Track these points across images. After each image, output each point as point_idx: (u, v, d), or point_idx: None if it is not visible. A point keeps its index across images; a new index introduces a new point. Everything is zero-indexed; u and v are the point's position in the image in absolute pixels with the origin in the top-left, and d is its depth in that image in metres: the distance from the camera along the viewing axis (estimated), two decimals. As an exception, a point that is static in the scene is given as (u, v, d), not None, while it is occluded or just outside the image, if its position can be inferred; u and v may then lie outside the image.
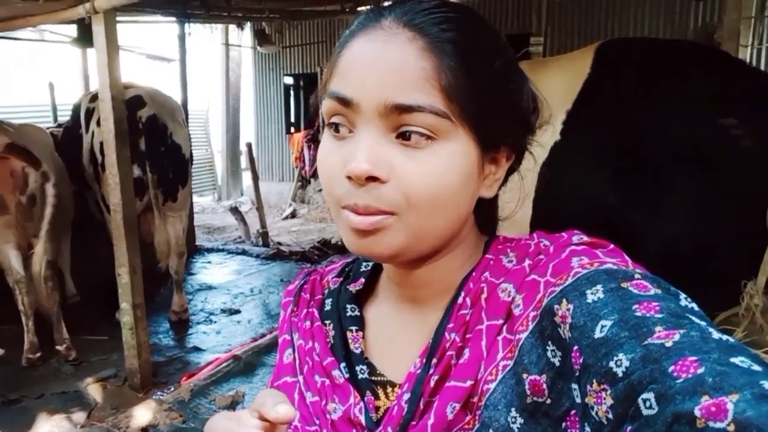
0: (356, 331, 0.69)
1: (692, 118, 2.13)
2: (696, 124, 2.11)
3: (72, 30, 6.32)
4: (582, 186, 2.33)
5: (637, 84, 2.31)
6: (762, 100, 2.11)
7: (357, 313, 0.70)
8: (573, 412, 0.50)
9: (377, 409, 0.63)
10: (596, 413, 0.45)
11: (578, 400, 0.48)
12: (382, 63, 0.56)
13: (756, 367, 0.39)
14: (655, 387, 0.40)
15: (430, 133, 0.55)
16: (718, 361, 0.39)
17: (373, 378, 0.66)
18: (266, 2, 6.33)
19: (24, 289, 4.17)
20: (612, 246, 0.59)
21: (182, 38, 6.98)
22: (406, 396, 0.59)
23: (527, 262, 0.60)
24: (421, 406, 0.58)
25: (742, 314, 2.04)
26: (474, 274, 0.63)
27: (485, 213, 0.68)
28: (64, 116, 6.18)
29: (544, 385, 0.52)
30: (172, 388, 3.81)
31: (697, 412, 0.37)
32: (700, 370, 0.39)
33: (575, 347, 0.48)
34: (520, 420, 0.53)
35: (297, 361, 0.71)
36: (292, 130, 11.18)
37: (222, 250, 7.64)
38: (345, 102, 0.57)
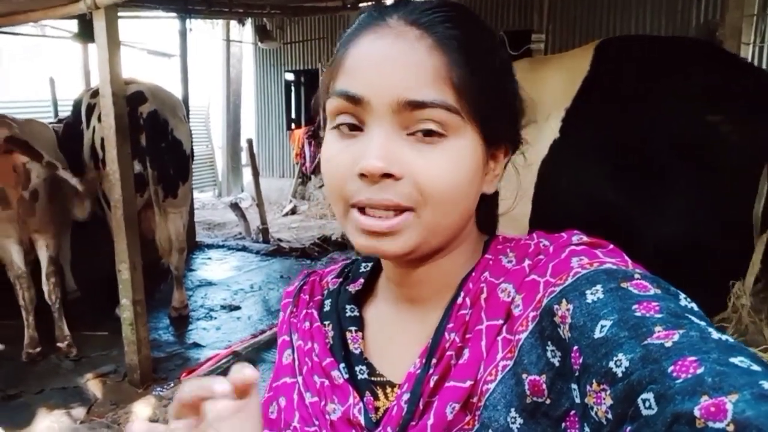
0: (355, 331, 0.69)
1: (691, 116, 2.12)
2: (695, 121, 2.11)
3: (73, 25, 6.32)
4: (581, 183, 2.33)
5: (637, 81, 2.31)
6: (761, 99, 2.10)
7: (356, 313, 0.70)
8: (572, 412, 0.49)
9: (377, 409, 0.63)
10: (596, 413, 0.45)
11: (578, 401, 0.48)
12: (393, 60, 0.56)
13: (755, 367, 0.39)
14: (655, 387, 0.40)
15: (441, 129, 0.56)
16: (717, 361, 0.39)
17: (372, 378, 0.66)
18: (267, -2, 6.32)
19: (25, 284, 4.18)
20: (611, 246, 0.59)
21: (183, 34, 6.97)
22: (406, 396, 0.59)
23: (527, 262, 0.60)
24: (421, 407, 0.58)
25: (730, 315, 2.05)
26: (474, 274, 0.63)
27: (486, 211, 0.68)
28: (65, 112, 6.18)
29: (544, 386, 0.52)
30: (172, 384, 3.82)
31: (696, 412, 0.37)
32: (700, 370, 0.39)
33: (575, 347, 0.48)
34: (519, 420, 0.53)
35: (296, 362, 0.71)
36: (293, 126, 11.18)
37: (222, 247, 7.65)
38: (355, 100, 0.57)
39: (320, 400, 0.65)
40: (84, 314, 4.79)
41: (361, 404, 0.63)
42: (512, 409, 0.53)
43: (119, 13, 3.69)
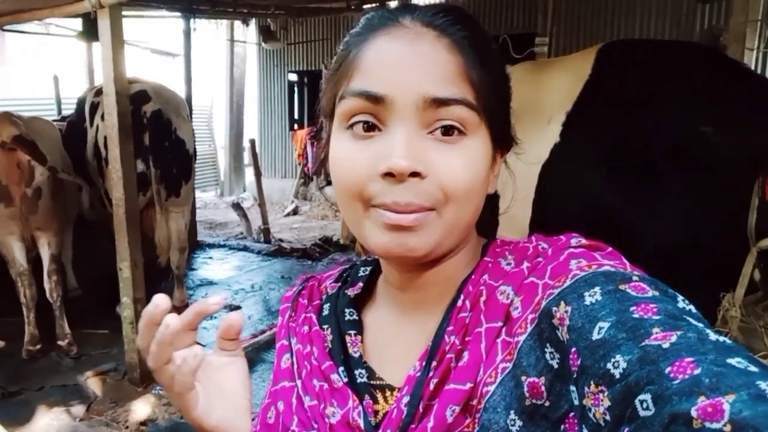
0: (355, 335, 0.69)
1: (692, 121, 2.12)
2: (695, 127, 2.10)
3: (77, 24, 6.33)
4: (582, 187, 2.33)
5: (640, 85, 2.30)
6: (760, 106, 2.10)
7: (355, 317, 0.70)
8: (572, 414, 0.49)
9: (376, 413, 0.63)
10: (594, 415, 0.45)
11: (576, 402, 0.48)
12: (416, 58, 0.57)
13: (752, 368, 0.39)
14: (652, 388, 0.40)
15: (462, 127, 0.57)
16: (714, 362, 0.39)
17: (371, 382, 0.66)
18: (272, -1, 6.34)
19: (26, 281, 4.18)
20: (610, 249, 0.60)
21: (187, 34, 6.98)
22: (406, 399, 0.59)
23: (525, 264, 0.61)
24: (421, 410, 0.58)
25: (718, 327, 2.04)
26: (473, 276, 0.63)
27: (487, 212, 0.68)
28: (68, 110, 6.19)
29: (543, 388, 0.52)
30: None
31: (693, 413, 0.37)
32: (697, 371, 0.39)
33: (573, 349, 0.48)
34: (519, 422, 0.53)
35: (295, 366, 0.71)
36: (296, 126, 11.19)
37: (223, 246, 7.65)
38: (376, 99, 0.57)
39: (319, 403, 0.65)
40: (85, 312, 4.79)
41: (360, 407, 0.63)
42: (512, 412, 0.54)
43: (123, 12, 3.70)
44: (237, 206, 8.58)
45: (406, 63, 0.56)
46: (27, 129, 4.07)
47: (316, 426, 0.65)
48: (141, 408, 3.55)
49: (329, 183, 0.66)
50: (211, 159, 12.47)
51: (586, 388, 0.46)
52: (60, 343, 4.27)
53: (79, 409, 3.56)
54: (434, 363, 0.59)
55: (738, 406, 0.35)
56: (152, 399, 3.63)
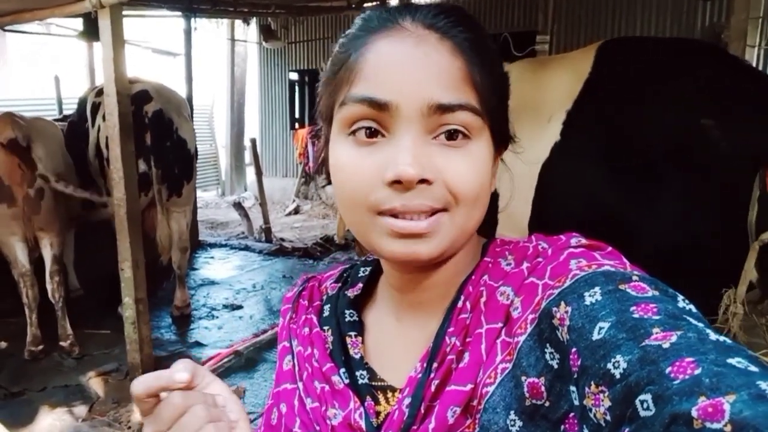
0: (355, 336, 0.69)
1: (692, 119, 2.11)
2: (695, 124, 2.10)
3: (78, 24, 6.33)
4: (582, 186, 2.32)
5: (639, 83, 2.29)
6: (761, 103, 2.09)
7: (355, 318, 0.70)
8: (571, 414, 0.49)
9: (377, 414, 0.63)
10: (594, 415, 0.45)
11: (576, 403, 0.48)
12: (420, 63, 0.55)
13: (753, 368, 0.39)
14: (653, 388, 0.40)
15: (467, 131, 0.57)
16: (715, 362, 0.39)
17: (373, 383, 0.66)
18: (272, -2, 6.33)
19: (29, 282, 4.18)
20: (610, 248, 0.59)
21: (188, 33, 6.98)
22: (407, 400, 0.59)
23: (525, 264, 0.60)
24: (422, 411, 0.58)
25: (719, 324, 2.04)
26: (473, 277, 0.63)
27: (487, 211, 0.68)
28: (70, 110, 6.19)
29: (543, 388, 0.52)
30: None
31: (694, 413, 0.37)
32: (697, 371, 0.39)
33: (573, 349, 0.48)
34: (519, 423, 0.53)
35: (296, 368, 0.71)
36: (297, 125, 11.19)
37: (225, 246, 7.66)
38: (380, 105, 0.56)
39: (321, 405, 0.65)
40: (86, 312, 4.80)
41: (362, 409, 0.62)
42: (511, 412, 0.53)
43: (124, 12, 3.70)
44: (238, 206, 8.58)
45: (410, 68, 0.55)
46: (29, 130, 4.07)
47: (318, 428, 0.65)
48: (143, 408, 3.55)
49: (330, 183, 0.65)
50: (212, 158, 12.48)
51: (586, 389, 0.46)
52: (62, 343, 4.28)
53: (81, 410, 3.57)
54: (435, 364, 0.59)
55: (738, 406, 0.35)
56: (154, 399, 3.63)
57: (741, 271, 2.03)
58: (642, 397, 0.40)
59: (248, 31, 10.96)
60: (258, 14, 7.88)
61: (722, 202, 2.08)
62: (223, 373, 3.95)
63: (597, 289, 0.50)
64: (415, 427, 0.58)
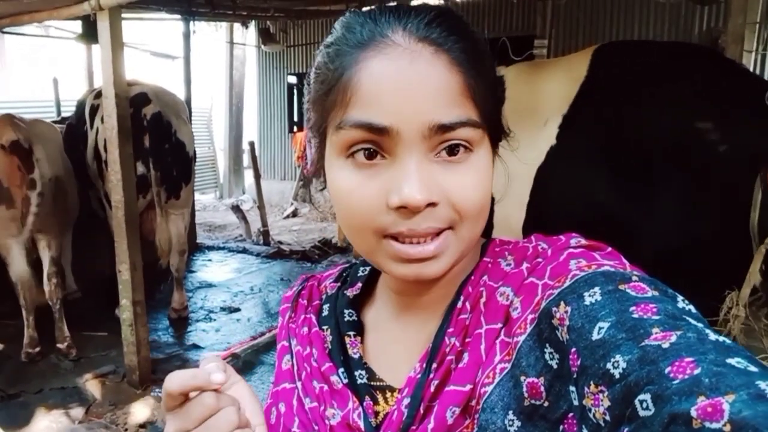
0: (354, 336, 0.69)
1: (689, 122, 2.12)
2: (692, 127, 2.10)
3: (77, 26, 6.33)
4: (579, 189, 2.32)
5: (636, 87, 2.29)
6: (757, 106, 2.10)
7: (354, 318, 0.70)
8: (571, 414, 0.49)
9: (376, 414, 0.63)
10: (593, 415, 0.45)
11: (576, 403, 0.48)
12: (417, 84, 0.54)
13: (752, 368, 0.39)
14: (652, 388, 0.40)
15: (468, 145, 0.56)
16: (714, 362, 0.39)
17: (372, 383, 0.66)
18: (271, 1, 6.35)
19: (26, 284, 4.17)
20: (609, 249, 0.59)
21: (187, 36, 6.98)
22: (406, 401, 0.59)
23: (525, 265, 0.60)
24: (421, 411, 0.58)
25: (721, 324, 2.04)
26: (473, 277, 0.63)
27: None
28: (68, 112, 6.19)
29: (542, 388, 0.52)
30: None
31: (693, 413, 0.37)
32: (697, 371, 0.39)
33: (573, 349, 0.48)
34: (517, 423, 0.53)
35: (295, 367, 0.71)
36: (295, 129, 11.18)
37: (223, 248, 7.65)
38: (380, 130, 0.54)
39: (319, 405, 0.65)
40: (84, 314, 4.78)
41: (360, 409, 0.62)
42: (510, 412, 0.53)
43: (123, 15, 3.70)
44: (236, 208, 8.57)
45: (408, 90, 0.54)
46: (29, 132, 4.07)
47: (316, 428, 0.64)
48: (140, 410, 3.54)
49: (326, 187, 0.64)
50: (210, 161, 12.46)
51: (585, 389, 0.46)
52: (59, 345, 4.26)
53: (78, 412, 3.56)
54: (435, 365, 0.59)
55: (738, 406, 0.35)
56: (151, 401, 3.62)
57: (741, 272, 2.03)
58: (641, 396, 0.41)
59: (247, 35, 10.97)
60: (257, 17, 7.89)
61: (721, 203, 2.08)
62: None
63: (597, 289, 0.50)
64: (414, 428, 0.58)
